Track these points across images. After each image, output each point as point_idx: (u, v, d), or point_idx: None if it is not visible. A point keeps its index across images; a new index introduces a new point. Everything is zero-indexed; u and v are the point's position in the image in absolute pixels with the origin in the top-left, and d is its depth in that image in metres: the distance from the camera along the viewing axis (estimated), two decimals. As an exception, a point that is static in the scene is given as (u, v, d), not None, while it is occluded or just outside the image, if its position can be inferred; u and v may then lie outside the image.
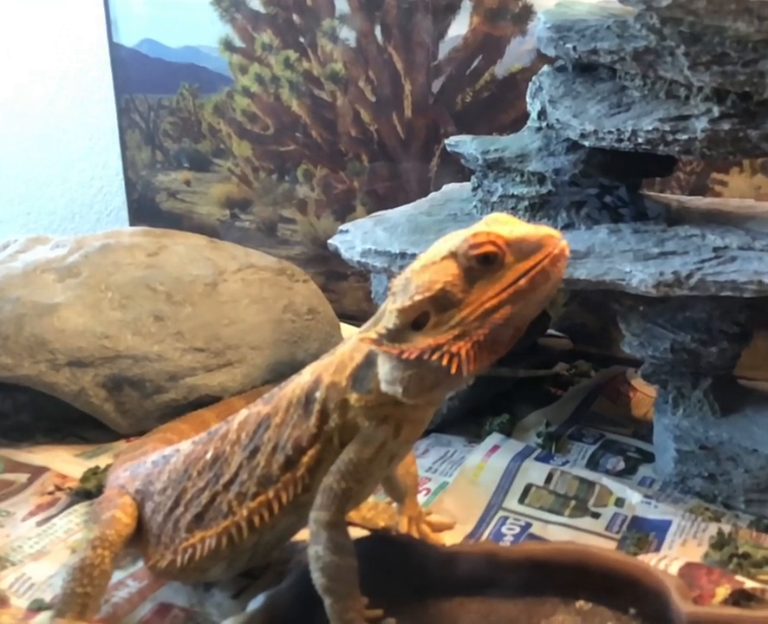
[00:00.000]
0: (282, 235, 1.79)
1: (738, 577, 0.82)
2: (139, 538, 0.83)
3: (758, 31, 0.86)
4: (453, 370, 0.66)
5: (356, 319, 1.46)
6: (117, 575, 0.86)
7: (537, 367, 1.33)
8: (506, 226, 0.68)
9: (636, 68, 0.97)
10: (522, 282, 0.66)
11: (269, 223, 1.80)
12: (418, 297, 0.67)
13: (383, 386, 0.70)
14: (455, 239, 0.69)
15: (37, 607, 0.84)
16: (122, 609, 0.83)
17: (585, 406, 1.26)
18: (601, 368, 1.38)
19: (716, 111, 0.92)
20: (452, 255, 0.68)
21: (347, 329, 1.40)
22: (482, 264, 0.67)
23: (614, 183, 1.07)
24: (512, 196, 1.10)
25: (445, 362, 0.66)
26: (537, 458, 1.08)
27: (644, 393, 1.29)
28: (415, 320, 0.68)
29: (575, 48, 1.00)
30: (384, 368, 0.70)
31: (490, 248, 0.67)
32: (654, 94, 0.97)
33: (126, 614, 0.82)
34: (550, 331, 1.41)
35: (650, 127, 0.94)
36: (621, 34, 0.95)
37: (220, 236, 1.62)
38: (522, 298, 0.67)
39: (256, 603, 0.73)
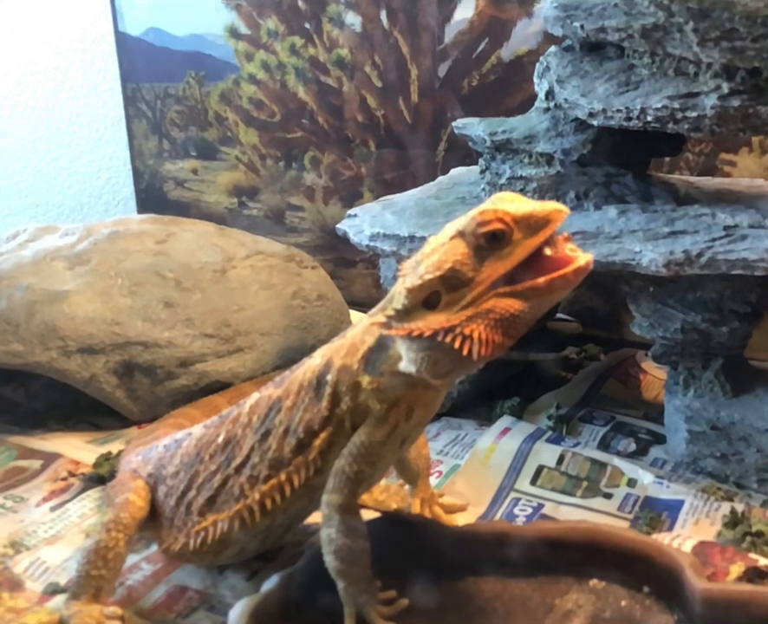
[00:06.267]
0: (290, 222, 1.79)
1: (752, 555, 0.82)
2: (152, 522, 0.83)
3: (767, 6, 0.85)
4: (465, 352, 0.65)
5: (365, 306, 1.44)
6: (131, 559, 0.86)
7: (547, 351, 1.33)
8: (513, 204, 0.68)
9: (644, 46, 0.96)
10: (541, 280, 0.66)
11: (276, 210, 1.80)
12: (428, 276, 0.67)
13: (404, 368, 0.70)
14: (462, 220, 0.68)
15: (52, 590, 0.84)
16: (137, 592, 0.84)
17: (595, 388, 1.26)
18: (610, 352, 1.37)
19: (725, 87, 0.91)
20: (461, 234, 0.68)
21: (356, 316, 1.40)
22: (490, 242, 0.67)
23: (620, 171, 1.06)
24: (521, 178, 1.10)
25: (457, 345, 0.66)
26: (549, 440, 1.08)
27: (654, 376, 1.28)
28: (426, 299, 0.68)
29: (582, 26, 0.99)
30: (401, 350, 0.70)
31: (497, 225, 0.66)
32: (662, 72, 0.96)
33: (141, 597, 0.83)
34: (560, 315, 1.41)
35: (659, 105, 0.93)
36: (629, 11, 0.94)
37: (228, 224, 1.61)
38: (538, 296, 0.66)
39: (269, 584, 0.73)
